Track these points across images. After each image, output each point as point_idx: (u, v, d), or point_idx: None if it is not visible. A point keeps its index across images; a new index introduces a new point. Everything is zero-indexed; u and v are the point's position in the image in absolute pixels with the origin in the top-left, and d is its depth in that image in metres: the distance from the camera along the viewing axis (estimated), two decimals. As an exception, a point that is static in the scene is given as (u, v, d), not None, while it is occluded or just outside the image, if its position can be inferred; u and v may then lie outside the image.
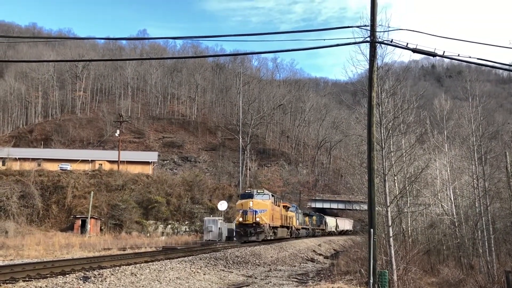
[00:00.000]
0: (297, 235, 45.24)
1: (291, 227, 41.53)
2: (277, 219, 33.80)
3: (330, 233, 66.48)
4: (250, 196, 30.92)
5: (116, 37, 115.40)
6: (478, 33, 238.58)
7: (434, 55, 11.76)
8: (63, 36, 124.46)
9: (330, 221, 69.88)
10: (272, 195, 33.33)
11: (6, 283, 8.24)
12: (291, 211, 42.78)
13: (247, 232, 29.37)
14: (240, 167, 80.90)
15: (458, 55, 11.55)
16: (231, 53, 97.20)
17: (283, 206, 38.73)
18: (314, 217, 60.00)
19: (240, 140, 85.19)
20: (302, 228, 49.53)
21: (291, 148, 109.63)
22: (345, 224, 78.17)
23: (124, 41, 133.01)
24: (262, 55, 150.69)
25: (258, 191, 32.11)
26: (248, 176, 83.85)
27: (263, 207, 30.09)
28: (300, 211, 50.46)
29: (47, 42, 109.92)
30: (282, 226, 36.19)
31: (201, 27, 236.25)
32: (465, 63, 13.24)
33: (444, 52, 11.56)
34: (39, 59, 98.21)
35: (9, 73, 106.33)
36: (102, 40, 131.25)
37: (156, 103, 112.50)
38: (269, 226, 30.85)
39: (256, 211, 29.56)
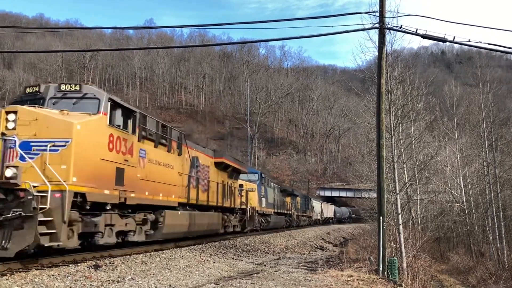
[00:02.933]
0: (263, 225, 27.91)
1: (248, 210, 23.30)
2: (171, 188, 14.27)
3: (316, 222, 52.56)
4: (35, 99, 10.55)
5: (123, 27, 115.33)
6: (489, 17, 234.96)
7: (444, 40, 11.62)
8: (70, 26, 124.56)
9: (317, 206, 55.30)
10: (120, 104, 11.52)
11: (20, 272, 8.36)
12: (247, 180, 25.66)
13: None
14: (249, 156, 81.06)
15: (469, 41, 11.40)
16: (239, 41, 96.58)
17: (219, 163, 19.31)
18: (298, 198, 43.17)
19: (248, 129, 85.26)
20: (278, 213, 31.91)
21: (299, 136, 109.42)
22: (328, 210, 63.98)
23: (131, 31, 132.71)
24: (270, 43, 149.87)
25: (62, 86, 10.66)
26: (256, 165, 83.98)
27: (61, 135, 9.46)
28: (274, 185, 33.34)
29: (55, 32, 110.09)
30: (203, 206, 17.23)
31: (214, 15, 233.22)
32: (475, 48, 13.06)
33: (454, 37, 11.43)
34: (47, 50, 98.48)
35: (18, 64, 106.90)
36: (109, 30, 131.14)
37: (164, 92, 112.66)
38: (85, 200, 9.83)
39: (27, 146, 9.40)
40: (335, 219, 67.24)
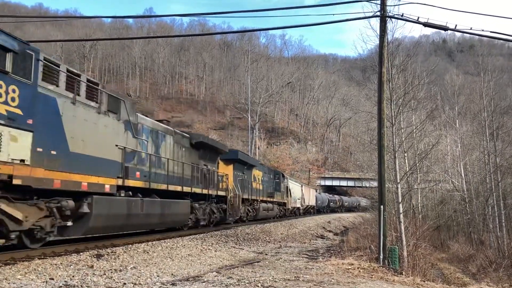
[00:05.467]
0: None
1: None
2: None
3: (294, 213, 39.80)
4: None
5: (123, 16, 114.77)
6: (491, 5, 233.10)
7: (445, 29, 11.55)
8: (69, 15, 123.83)
9: (296, 190, 40.37)
10: None
11: (23, 261, 8.42)
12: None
13: None
14: (249, 146, 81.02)
15: (471, 29, 11.34)
16: (241, 30, 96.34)
17: None
18: (258, 172, 28.07)
19: (249, 118, 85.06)
20: (157, 192, 13.86)
21: (300, 126, 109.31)
22: (310, 196, 49.35)
23: (131, 20, 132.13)
24: (271, 31, 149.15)
25: None
26: (257, 155, 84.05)
27: None
28: (146, 118, 14.27)
29: (54, 22, 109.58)
30: None
31: (219, 3, 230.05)
32: (477, 37, 12.98)
33: (456, 25, 11.36)
34: (47, 39, 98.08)
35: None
36: (109, 20, 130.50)
37: (164, 82, 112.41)
38: None
39: None
40: (316, 209, 52.80)
